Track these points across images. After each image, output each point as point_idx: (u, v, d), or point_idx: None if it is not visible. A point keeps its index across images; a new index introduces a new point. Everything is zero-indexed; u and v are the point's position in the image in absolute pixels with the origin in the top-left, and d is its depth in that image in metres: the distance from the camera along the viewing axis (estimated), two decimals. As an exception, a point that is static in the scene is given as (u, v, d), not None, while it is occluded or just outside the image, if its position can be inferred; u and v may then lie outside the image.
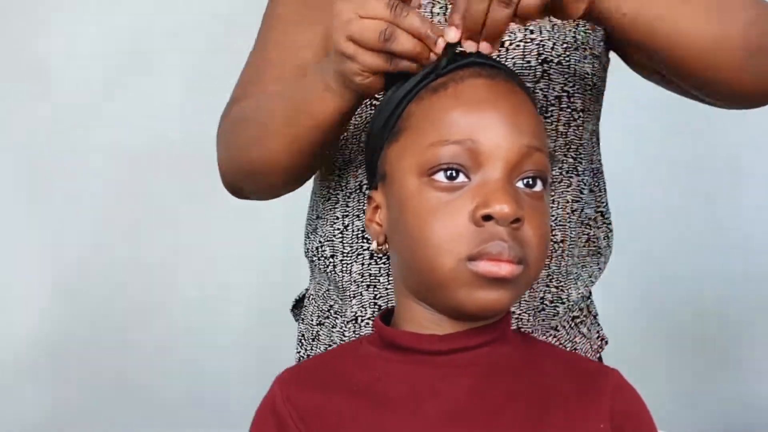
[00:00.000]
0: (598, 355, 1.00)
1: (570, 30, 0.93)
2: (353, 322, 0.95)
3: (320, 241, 0.98)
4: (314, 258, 1.00)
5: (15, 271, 1.75)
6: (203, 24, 1.78)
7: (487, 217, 0.67)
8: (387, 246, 0.76)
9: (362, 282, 0.94)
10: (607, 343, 1.03)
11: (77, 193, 1.76)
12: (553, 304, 0.94)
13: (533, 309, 0.93)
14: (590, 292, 1.02)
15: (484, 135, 0.69)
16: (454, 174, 0.69)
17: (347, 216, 0.95)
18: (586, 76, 0.94)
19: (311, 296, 1.04)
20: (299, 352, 1.04)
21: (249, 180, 0.95)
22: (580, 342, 0.97)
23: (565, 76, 0.92)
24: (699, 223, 1.83)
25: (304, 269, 1.06)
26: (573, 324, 0.97)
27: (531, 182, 0.70)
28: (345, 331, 0.96)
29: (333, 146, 0.92)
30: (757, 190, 1.86)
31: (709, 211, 1.84)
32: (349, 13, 0.72)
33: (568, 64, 0.92)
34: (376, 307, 0.93)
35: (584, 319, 0.99)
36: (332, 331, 0.98)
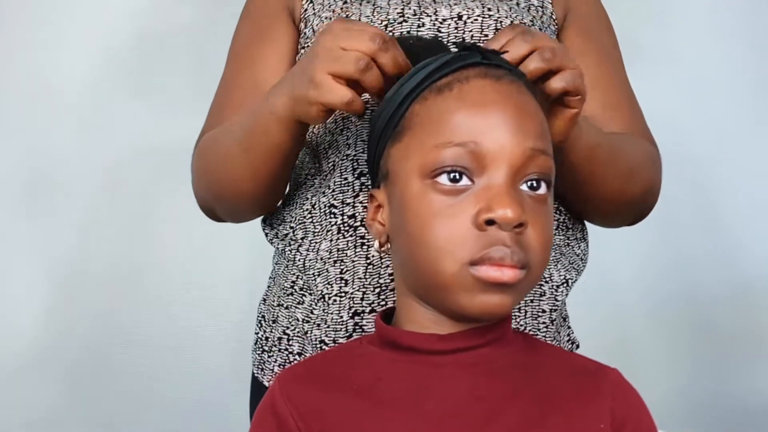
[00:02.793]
0: None
1: (525, 13, 0.98)
2: (321, 300, 0.93)
3: (291, 227, 0.98)
4: (280, 244, 1.00)
5: (13, 270, 1.73)
6: (198, 33, 1.77)
7: (490, 222, 0.67)
8: (389, 246, 0.76)
9: (329, 258, 0.92)
10: (578, 347, 1.02)
11: (77, 193, 1.75)
12: (537, 283, 0.92)
13: None
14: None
15: (488, 137, 0.68)
16: (457, 176, 0.68)
17: (315, 195, 0.95)
18: None
19: (275, 278, 1.03)
20: (257, 333, 1.03)
21: (219, 204, 0.99)
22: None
23: None
24: (699, 222, 1.82)
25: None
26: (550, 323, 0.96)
27: (535, 185, 0.70)
28: (314, 309, 0.94)
29: (290, 169, 0.94)
30: (758, 187, 1.86)
31: (709, 210, 1.83)
32: (332, 44, 0.76)
33: None
34: (343, 282, 0.91)
35: (555, 321, 0.98)
36: (296, 309, 0.97)
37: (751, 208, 1.85)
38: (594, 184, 0.92)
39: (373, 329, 0.88)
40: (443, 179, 0.68)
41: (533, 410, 0.71)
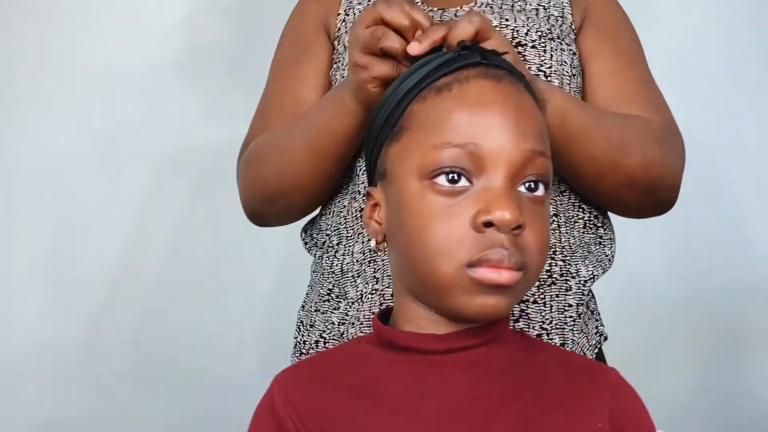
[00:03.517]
0: (596, 350, 1.01)
1: (544, 22, 1.01)
2: (358, 301, 0.96)
3: (328, 233, 1.01)
4: (318, 251, 1.04)
5: (14, 270, 1.71)
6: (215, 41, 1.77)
7: (488, 224, 0.66)
8: (386, 245, 0.76)
9: (364, 259, 0.96)
10: (606, 338, 1.03)
11: (76, 194, 1.72)
12: (563, 278, 0.95)
13: (541, 282, 0.95)
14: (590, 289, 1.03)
15: (487, 138, 0.68)
16: (455, 177, 0.68)
17: (346, 200, 0.99)
18: (564, 63, 0.99)
19: (312, 285, 1.07)
20: (296, 338, 1.06)
21: (274, 206, 1.03)
22: (577, 336, 0.97)
23: (541, 58, 0.98)
24: (700, 222, 1.81)
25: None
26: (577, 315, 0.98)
27: (533, 186, 0.70)
28: (349, 311, 0.97)
29: (345, 166, 0.99)
30: (759, 189, 1.85)
31: (712, 210, 1.83)
32: (359, 28, 0.82)
33: (543, 48, 0.98)
34: (375, 281, 0.95)
35: (582, 314, 1.00)
36: (333, 314, 1.00)
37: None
38: (579, 155, 0.92)
39: None
40: (441, 180, 0.68)
41: (532, 410, 0.71)
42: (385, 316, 0.78)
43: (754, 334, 1.82)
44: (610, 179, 0.95)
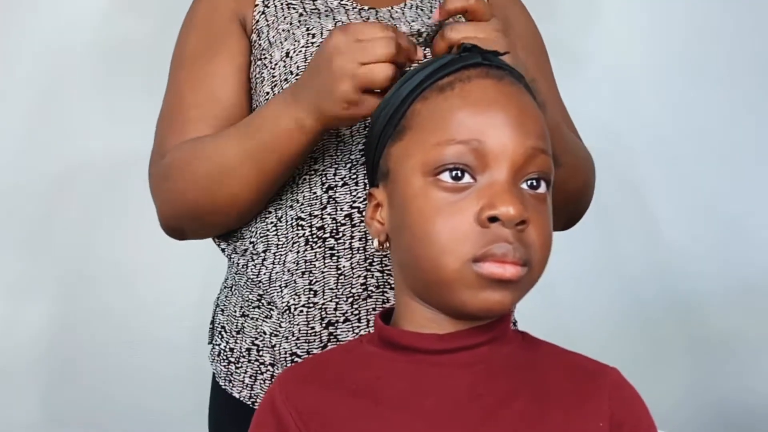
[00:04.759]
0: None
1: None
2: (287, 312, 0.93)
3: (252, 241, 0.97)
4: (240, 259, 0.99)
5: None
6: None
7: (493, 219, 0.67)
8: (388, 244, 0.76)
9: (296, 270, 0.93)
10: None
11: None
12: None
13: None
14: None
15: (491, 135, 0.69)
16: (459, 174, 0.69)
17: (280, 208, 0.95)
18: None
19: (232, 287, 1.02)
20: (219, 345, 1.02)
21: (200, 222, 0.95)
22: None
23: None
24: (697, 222, 1.83)
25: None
26: None
27: (535, 184, 0.71)
28: (282, 322, 0.94)
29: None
30: (755, 187, 1.88)
31: (707, 209, 1.85)
32: (351, 63, 0.78)
33: None
34: (311, 293, 0.92)
35: None
36: (264, 322, 0.96)
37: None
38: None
39: (347, 339, 0.91)
40: (445, 177, 0.69)
41: (532, 409, 0.71)
42: (386, 315, 0.78)
43: (753, 333, 1.84)
44: (559, 198, 0.95)
